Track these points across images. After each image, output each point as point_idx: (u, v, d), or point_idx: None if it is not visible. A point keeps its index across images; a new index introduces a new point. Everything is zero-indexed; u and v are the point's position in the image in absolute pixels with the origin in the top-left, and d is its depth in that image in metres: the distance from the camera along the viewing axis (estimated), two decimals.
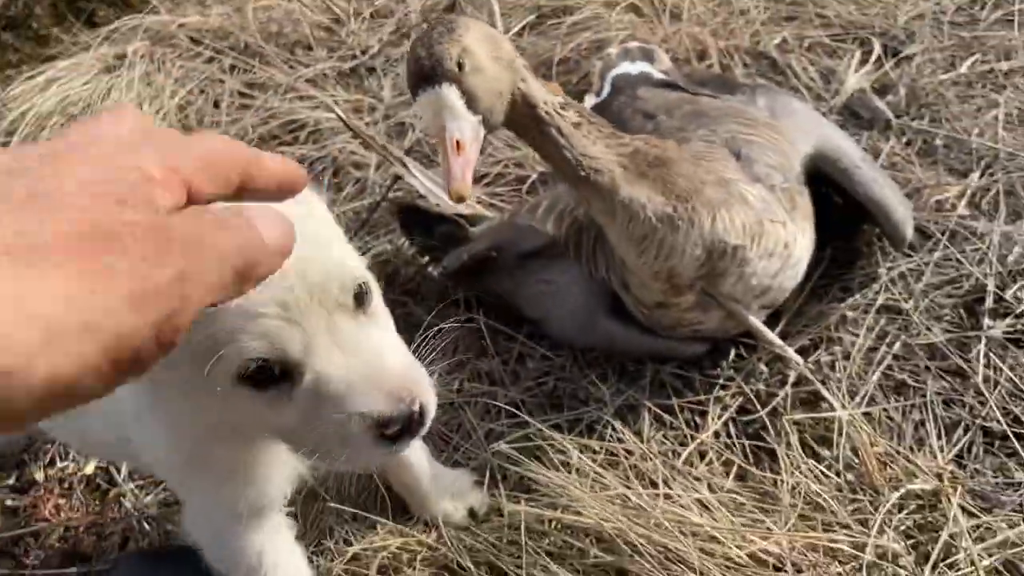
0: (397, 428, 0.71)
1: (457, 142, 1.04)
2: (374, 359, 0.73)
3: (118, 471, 1.39)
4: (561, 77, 2.02)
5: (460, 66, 1.05)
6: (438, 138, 1.07)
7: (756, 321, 1.32)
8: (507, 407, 1.32)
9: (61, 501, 1.34)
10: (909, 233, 1.38)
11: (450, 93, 1.04)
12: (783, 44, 1.99)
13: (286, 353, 0.70)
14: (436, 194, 1.64)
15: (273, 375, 0.71)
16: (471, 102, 1.06)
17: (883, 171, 1.48)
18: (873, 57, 1.91)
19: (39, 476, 1.40)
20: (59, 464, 1.41)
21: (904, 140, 1.69)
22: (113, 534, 1.30)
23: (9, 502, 1.39)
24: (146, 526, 1.29)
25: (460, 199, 1.05)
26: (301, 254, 0.62)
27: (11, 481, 1.40)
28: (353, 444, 0.71)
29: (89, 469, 1.37)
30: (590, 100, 1.73)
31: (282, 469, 0.97)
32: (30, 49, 3.01)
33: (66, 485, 1.37)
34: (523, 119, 1.15)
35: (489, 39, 1.10)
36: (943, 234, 1.47)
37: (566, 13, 2.16)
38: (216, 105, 2.17)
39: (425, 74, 1.05)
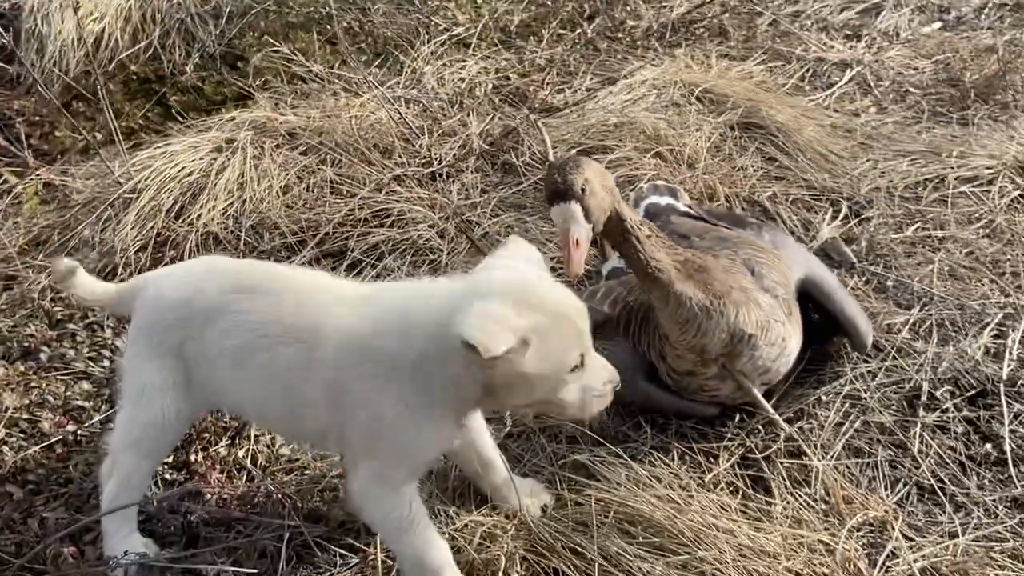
0: (617, 385, 1.41)
1: (577, 240, 1.54)
2: (601, 358, 1.40)
3: (256, 460, 1.77)
4: None
5: (583, 190, 1.55)
6: (562, 236, 1.56)
7: (757, 393, 1.79)
8: (570, 433, 1.76)
9: (220, 476, 1.71)
10: (869, 342, 1.89)
11: (575, 208, 1.55)
12: (773, 197, 2.55)
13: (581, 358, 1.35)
14: None
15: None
16: (587, 215, 1.56)
17: (851, 295, 2.00)
18: (841, 215, 2.48)
19: (194, 458, 1.77)
20: (211, 449, 1.78)
21: (864, 279, 2.23)
22: (259, 504, 1.67)
23: (167, 476, 1.75)
24: (285, 501, 1.66)
25: (576, 276, 1.55)
26: (579, 306, 1.21)
27: (169, 460, 1.77)
28: (601, 396, 1.38)
29: (242, 453, 1.75)
30: None
31: (446, 444, 1.41)
32: (103, 120, 3.44)
33: (219, 466, 1.74)
34: (615, 228, 1.66)
35: (602, 174, 1.61)
36: (892, 348, 1.98)
37: (604, 151, 2.71)
38: (311, 190, 2.64)
39: (560, 193, 1.55)
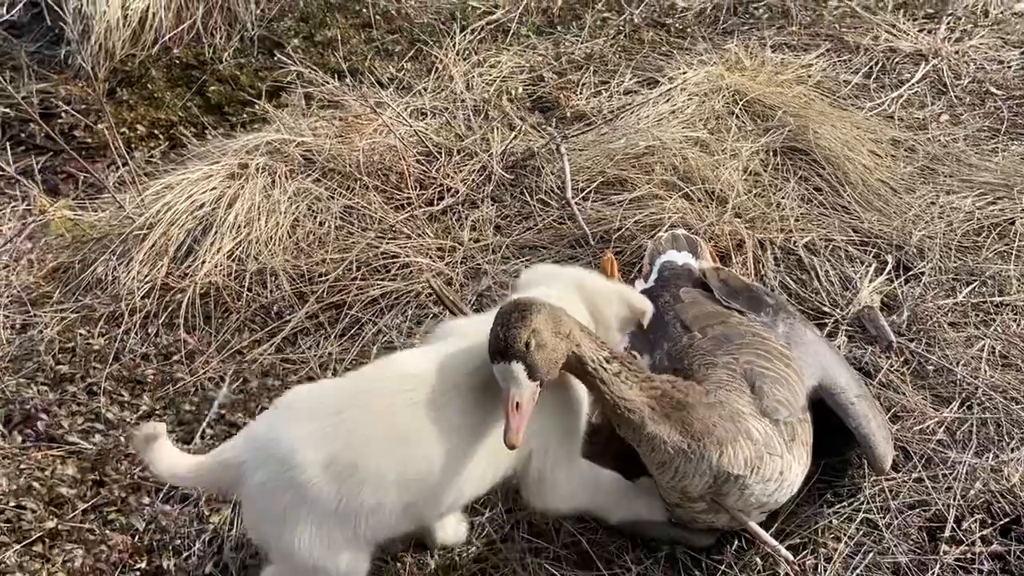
0: None
1: (517, 404, 1.40)
2: None
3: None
4: (617, 245, 2.35)
5: (527, 345, 1.40)
6: (503, 396, 1.41)
7: (755, 526, 1.63)
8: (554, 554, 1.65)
9: None
10: (887, 467, 1.70)
11: (517, 368, 1.40)
12: (811, 244, 2.31)
13: None
14: None
15: None
16: (532, 373, 1.41)
17: (874, 403, 1.79)
18: (887, 270, 2.23)
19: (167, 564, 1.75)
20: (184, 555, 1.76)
21: (902, 359, 2.00)
22: None
23: None
24: None
25: (512, 447, 1.40)
26: None
27: (143, 565, 1.75)
28: None
29: (207, 568, 1.72)
30: (639, 284, 2.06)
31: None
32: (143, 109, 3.40)
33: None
34: (574, 370, 1.50)
35: (554, 320, 1.45)
36: (920, 458, 1.78)
37: (626, 187, 2.50)
38: (321, 225, 2.53)
39: (500, 351, 1.40)
